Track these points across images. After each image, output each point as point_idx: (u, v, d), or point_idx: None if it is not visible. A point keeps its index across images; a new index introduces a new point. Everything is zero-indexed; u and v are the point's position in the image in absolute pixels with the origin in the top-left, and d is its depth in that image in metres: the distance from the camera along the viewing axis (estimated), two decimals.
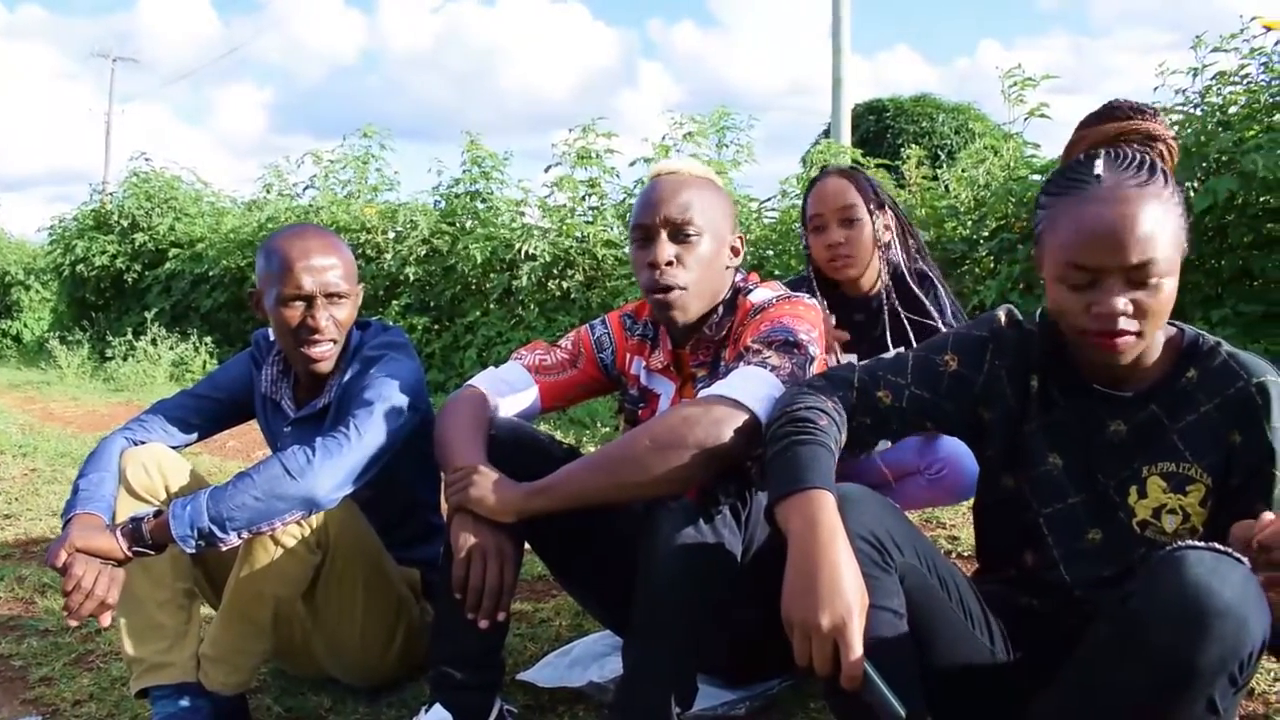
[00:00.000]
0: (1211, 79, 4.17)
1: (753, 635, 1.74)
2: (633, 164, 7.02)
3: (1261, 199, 3.73)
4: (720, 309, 1.89)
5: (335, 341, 2.06)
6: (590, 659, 2.16)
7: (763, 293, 1.86)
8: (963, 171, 5.38)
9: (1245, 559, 1.17)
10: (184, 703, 1.93)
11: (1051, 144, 5.09)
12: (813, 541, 1.31)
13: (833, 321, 2.08)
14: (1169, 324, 1.47)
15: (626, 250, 5.08)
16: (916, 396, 1.57)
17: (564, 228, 7.05)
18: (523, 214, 7.51)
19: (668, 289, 1.82)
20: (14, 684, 2.36)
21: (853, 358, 1.99)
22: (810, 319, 1.79)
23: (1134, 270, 1.34)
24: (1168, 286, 1.36)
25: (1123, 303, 1.35)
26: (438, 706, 1.75)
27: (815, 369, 1.72)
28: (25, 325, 15.10)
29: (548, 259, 6.92)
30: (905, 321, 2.40)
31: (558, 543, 1.90)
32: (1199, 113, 4.12)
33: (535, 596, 2.81)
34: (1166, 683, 1.17)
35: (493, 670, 1.82)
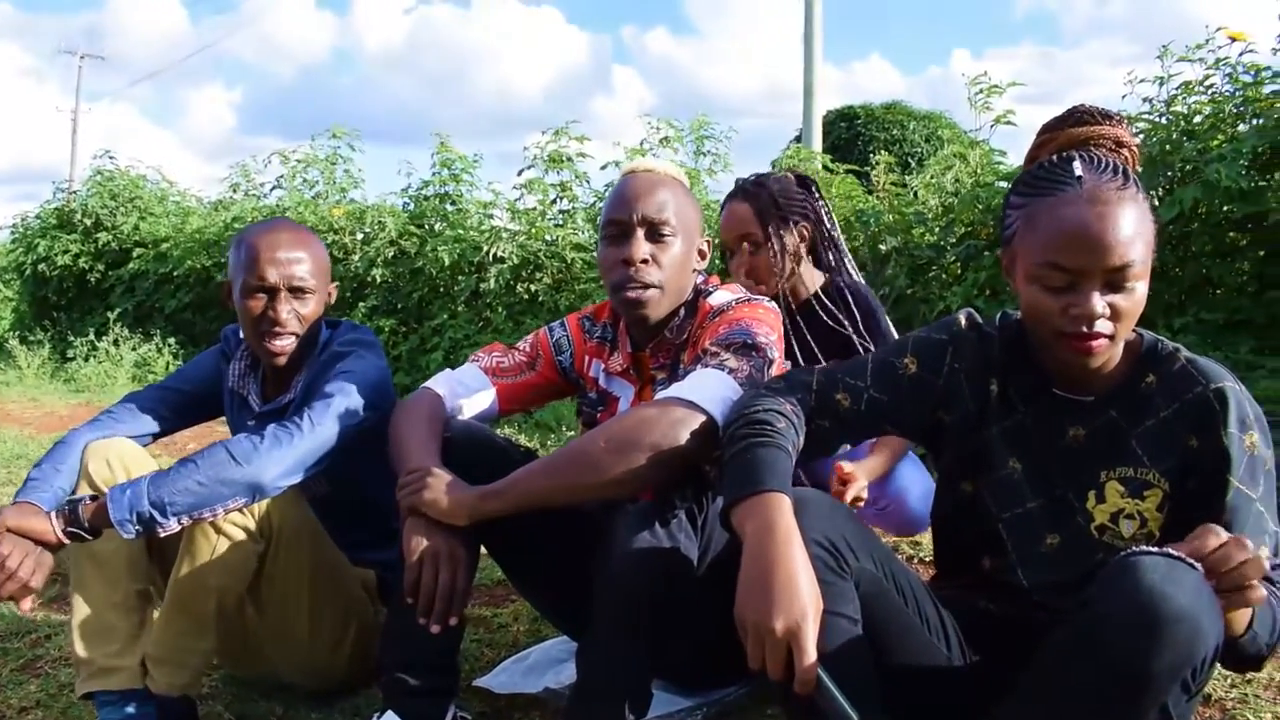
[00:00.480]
0: (1177, 89, 4.19)
1: (710, 641, 1.72)
2: (604, 168, 7.01)
3: (1224, 208, 3.76)
4: (682, 311, 1.88)
5: (296, 336, 2.05)
6: (547, 665, 2.13)
7: (723, 295, 1.84)
8: (931, 178, 5.39)
9: (1199, 565, 1.16)
10: (130, 709, 1.89)
11: (1019, 152, 5.11)
12: (768, 544, 1.30)
13: None
14: None
15: (596, 254, 5.05)
16: (875, 400, 1.56)
17: (533, 230, 7.03)
18: (491, 216, 7.49)
19: (643, 286, 1.81)
20: None
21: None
22: (770, 322, 1.78)
23: (1113, 273, 1.34)
24: (1141, 290, 1.36)
25: (1100, 305, 1.34)
26: (390, 714, 1.72)
27: (774, 372, 1.71)
28: None
29: (516, 262, 6.90)
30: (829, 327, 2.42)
31: (513, 546, 1.87)
32: (1164, 121, 4.15)
33: (493, 601, 2.78)
34: (1121, 688, 1.17)
35: (447, 676, 1.78)
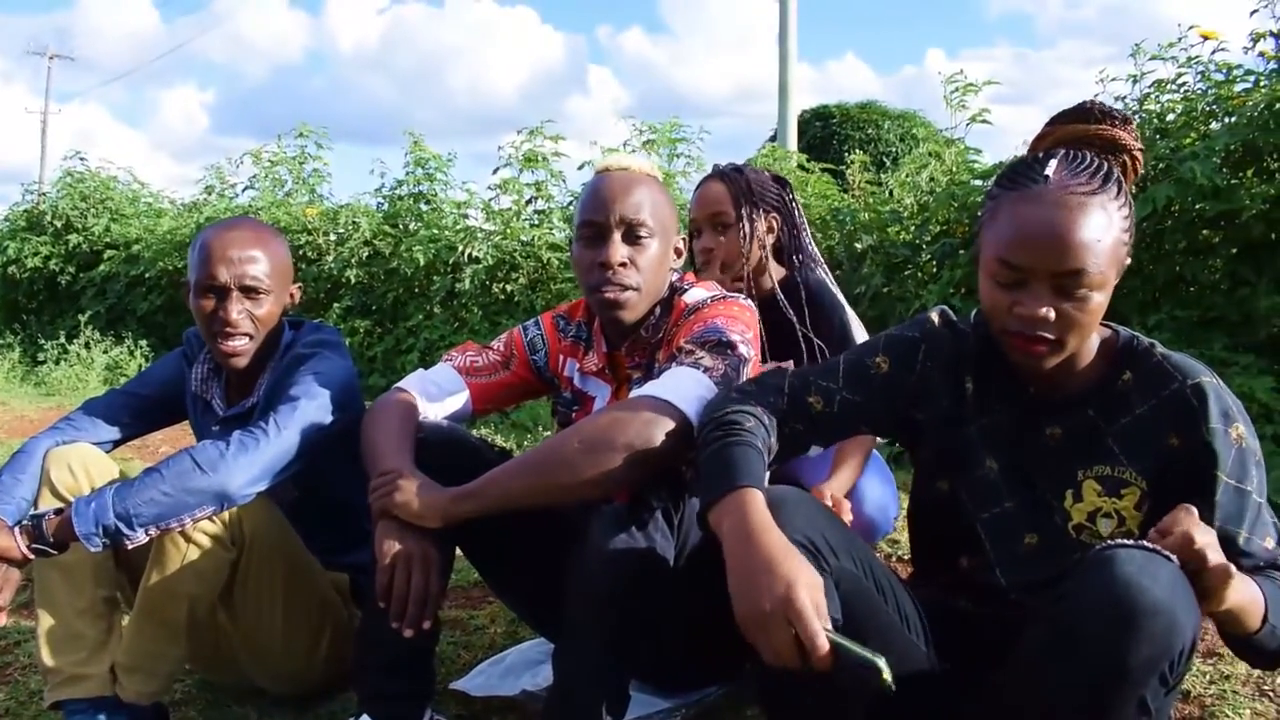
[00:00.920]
0: (1150, 87, 4.23)
1: (687, 642, 1.72)
2: (581, 167, 7.00)
3: (1197, 206, 3.79)
4: (657, 309, 1.86)
5: (250, 337, 2.01)
6: (524, 667, 2.11)
7: (698, 292, 1.83)
8: (906, 177, 5.41)
9: (1174, 557, 1.16)
10: (100, 718, 1.86)
11: (994, 150, 5.17)
12: (745, 535, 1.28)
13: None
14: (1103, 325, 1.46)
15: (570, 253, 5.05)
16: (848, 400, 1.55)
17: (508, 231, 7.00)
18: (466, 217, 7.46)
19: (621, 289, 1.79)
20: None
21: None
22: (745, 320, 1.76)
23: (1062, 277, 1.32)
24: (1096, 300, 1.34)
25: (1045, 309, 1.32)
26: (365, 718, 1.71)
27: (750, 370, 1.69)
28: None
29: (491, 262, 6.87)
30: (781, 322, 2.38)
31: (488, 548, 1.85)
32: (1137, 119, 4.17)
33: (470, 604, 2.76)
34: (1098, 682, 1.17)
35: (423, 679, 1.77)
